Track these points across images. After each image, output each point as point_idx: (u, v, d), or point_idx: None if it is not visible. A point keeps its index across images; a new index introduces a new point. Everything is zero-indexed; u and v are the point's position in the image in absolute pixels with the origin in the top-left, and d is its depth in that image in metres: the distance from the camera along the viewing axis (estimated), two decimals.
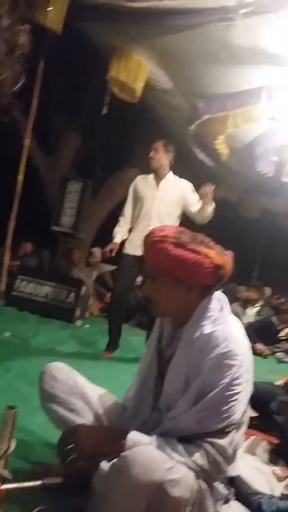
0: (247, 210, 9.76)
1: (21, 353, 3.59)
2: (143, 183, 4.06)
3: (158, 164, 3.98)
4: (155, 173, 4.03)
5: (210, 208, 3.94)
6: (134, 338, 4.77)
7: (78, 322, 5.53)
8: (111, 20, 4.62)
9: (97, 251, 7.46)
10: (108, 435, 1.48)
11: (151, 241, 1.55)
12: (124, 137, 7.05)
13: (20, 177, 5.68)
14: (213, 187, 3.87)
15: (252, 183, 8.20)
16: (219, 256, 1.52)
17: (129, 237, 4.04)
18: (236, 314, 1.64)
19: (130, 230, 4.08)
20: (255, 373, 1.53)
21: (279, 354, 6.22)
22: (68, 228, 7.46)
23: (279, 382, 3.09)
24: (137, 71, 4.96)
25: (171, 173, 4.05)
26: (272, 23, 3.86)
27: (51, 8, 4.35)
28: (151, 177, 4.05)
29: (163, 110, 6.20)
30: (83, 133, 8.59)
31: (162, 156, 3.97)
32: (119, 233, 4.05)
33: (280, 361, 6.10)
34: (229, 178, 8.34)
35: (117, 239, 4.05)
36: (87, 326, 5.45)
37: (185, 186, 4.04)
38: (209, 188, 3.84)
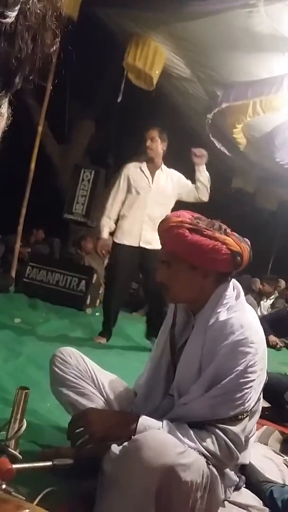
0: (264, 202, 9.65)
1: (31, 338, 3.60)
2: (137, 172, 3.94)
3: (156, 153, 3.91)
4: (149, 162, 3.95)
5: (205, 174, 3.93)
6: (144, 327, 4.75)
7: (89, 310, 5.54)
8: (129, 6, 4.56)
9: (109, 239, 7.44)
10: (119, 419, 1.48)
11: (167, 226, 1.54)
12: (139, 125, 7.01)
13: (32, 165, 5.68)
14: (205, 152, 3.92)
15: (270, 174, 8.10)
16: (237, 243, 1.50)
17: (121, 226, 3.94)
18: (251, 305, 1.62)
19: (118, 219, 3.99)
20: (268, 365, 1.52)
21: None
22: (80, 216, 7.46)
23: None
24: (154, 58, 4.89)
25: (163, 163, 3.99)
26: None
27: None
28: (144, 166, 3.95)
29: (180, 98, 6.14)
30: (98, 121, 8.56)
31: (159, 145, 3.90)
32: (107, 227, 3.94)
33: None
34: (247, 169, 8.26)
35: (105, 233, 3.95)
36: (97, 314, 5.46)
37: (178, 176, 3.99)
38: (201, 150, 3.89)
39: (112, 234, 4.03)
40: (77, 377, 1.72)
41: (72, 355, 1.76)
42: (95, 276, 5.80)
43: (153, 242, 3.80)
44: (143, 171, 3.94)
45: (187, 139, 4.19)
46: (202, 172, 3.92)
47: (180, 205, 4.03)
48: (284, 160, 6.71)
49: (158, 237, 1.64)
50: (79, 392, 1.70)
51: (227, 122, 5.85)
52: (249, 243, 1.55)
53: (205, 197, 3.98)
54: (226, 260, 1.48)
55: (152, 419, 1.42)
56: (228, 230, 1.55)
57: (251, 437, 1.55)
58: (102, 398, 1.72)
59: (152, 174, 3.93)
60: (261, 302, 7.35)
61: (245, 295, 1.61)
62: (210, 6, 4.05)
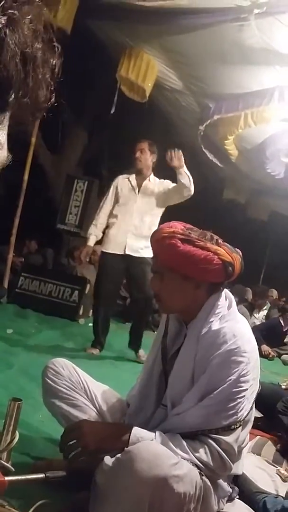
0: (256, 212, 9.72)
1: (23, 350, 3.59)
2: (125, 183, 4.03)
3: (144, 165, 3.98)
4: (138, 174, 4.01)
5: (185, 175, 3.84)
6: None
7: (81, 321, 5.52)
8: (122, 19, 4.62)
9: (92, 247, 7.39)
10: (112, 431, 1.47)
11: (160, 237, 1.55)
12: (132, 136, 7.08)
13: (26, 176, 5.69)
14: (180, 152, 3.82)
15: (261, 185, 8.18)
16: (228, 253, 1.51)
17: (107, 235, 3.99)
18: (243, 315, 1.63)
19: (105, 228, 4.03)
20: (260, 376, 1.52)
21: (285, 357, 6.20)
22: (73, 227, 7.47)
23: (284, 384, 3.07)
24: (146, 71, 4.95)
25: (152, 174, 4.03)
26: (285, 23, 3.83)
27: (62, 6, 4.35)
28: (133, 177, 4.02)
29: (172, 110, 6.20)
30: (91, 132, 8.60)
31: (148, 157, 3.98)
32: (93, 235, 4.00)
33: (286, 363, 6.07)
34: (238, 180, 8.33)
35: (91, 241, 4.02)
36: (90, 324, 5.43)
37: (163, 182, 4.01)
38: (175, 153, 3.79)
39: (100, 243, 4.06)
40: (69, 389, 1.71)
41: (64, 366, 1.76)
42: (88, 287, 5.79)
43: (139, 250, 3.85)
44: (130, 182, 4.02)
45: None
46: (183, 175, 3.83)
47: (174, 211, 4.03)
48: (275, 171, 6.78)
49: (145, 246, 1.66)
50: (71, 403, 1.69)
51: (219, 133, 5.91)
52: (240, 253, 1.56)
53: (189, 194, 3.91)
54: (217, 270, 1.49)
55: (145, 431, 1.42)
56: (220, 241, 1.56)
57: (244, 447, 1.54)
58: (95, 410, 1.71)
59: (139, 184, 4.00)
60: (254, 313, 7.37)
61: (237, 305, 1.62)
62: (202, 19, 4.11)
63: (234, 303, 1.57)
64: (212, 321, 1.48)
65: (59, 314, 5.36)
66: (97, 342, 4.08)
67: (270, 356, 6.03)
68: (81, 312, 5.62)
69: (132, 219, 3.92)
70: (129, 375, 3.23)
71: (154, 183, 4.01)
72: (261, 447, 2.08)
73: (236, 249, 1.57)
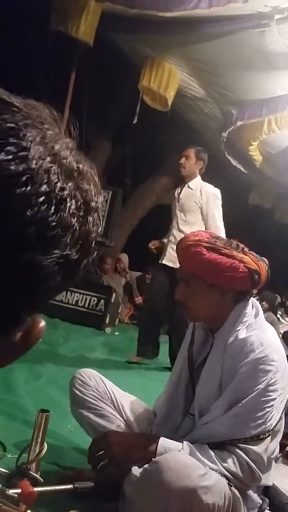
0: (283, 216, 9.61)
1: (51, 359, 3.61)
2: (173, 192, 3.98)
3: (189, 172, 3.75)
4: (181, 181, 3.87)
5: None
6: (163, 346, 4.73)
7: (108, 330, 5.54)
8: (144, 30, 4.66)
9: (124, 256, 7.41)
10: (139, 441, 1.47)
11: (185, 245, 1.55)
12: (155, 145, 7.11)
13: None
14: None
15: (287, 189, 8.10)
16: (254, 261, 1.50)
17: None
18: (272, 323, 1.61)
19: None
20: None
21: None
22: (98, 236, 7.52)
23: None
24: (168, 80, 4.98)
25: (196, 180, 3.78)
26: None
27: (84, 20, 4.42)
28: (178, 185, 3.95)
29: (195, 117, 6.21)
30: (114, 142, 8.68)
31: (193, 164, 3.74)
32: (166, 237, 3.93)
33: None
34: (263, 185, 8.27)
35: (164, 239, 3.93)
36: (117, 333, 5.45)
37: (209, 192, 3.73)
38: None
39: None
40: (96, 399, 1.72)
41: (91, 376, 1.77)
42: (114, 296, 5.82)
43: (176, 260, 3.75)
44: (176, 191, 3.91)
45: None
46: None
47: None
48: None
49: None
50: (99, 413, 1.70)
51: (243, 139, 5.88)
52: (267, 262, 1.55)
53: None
54: (243, 278, 1.48)
55: (172, 441, 1.42)
56: (246, 249, 1.55)
57: (274, 457, 1.52)
58: (122, 420, 1.71)
59: (180, 192, 3.84)
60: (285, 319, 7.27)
61: (268, 311, 1.60)
62: (223, 27, 4.12)
63: (261, 312, 1.55)
64: (239, 330, 1.47)
65: (85, 323, 5.39)
66: (140, 351, 4.06)
67: None
68: (107, 321, 5.64)
69: (173, 229, 3.82)
70: (156, 385, 3.22)
71: (196, 190, 3.74)
72: None
73: (262, 257, 1.55)
